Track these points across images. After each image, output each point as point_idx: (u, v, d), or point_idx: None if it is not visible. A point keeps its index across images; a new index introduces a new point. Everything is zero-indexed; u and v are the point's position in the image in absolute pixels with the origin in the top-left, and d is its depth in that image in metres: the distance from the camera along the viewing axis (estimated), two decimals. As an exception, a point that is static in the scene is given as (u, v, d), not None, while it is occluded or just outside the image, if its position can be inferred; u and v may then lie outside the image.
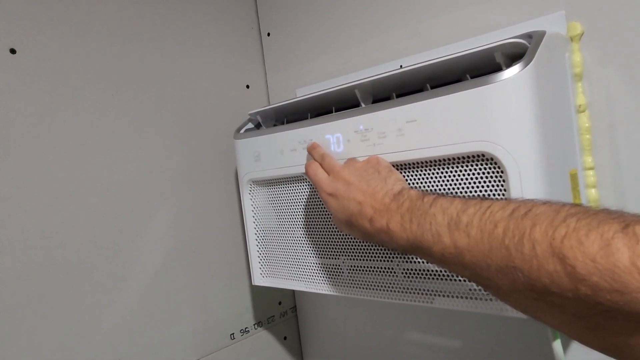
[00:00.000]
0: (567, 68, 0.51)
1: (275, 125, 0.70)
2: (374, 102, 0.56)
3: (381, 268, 0.57)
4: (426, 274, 0.52)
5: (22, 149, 0.58)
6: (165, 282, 0.71)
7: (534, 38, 0.46)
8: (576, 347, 0.56)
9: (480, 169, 0.46)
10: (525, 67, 0.43)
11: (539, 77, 0.44)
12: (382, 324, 0.77)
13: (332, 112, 0.60)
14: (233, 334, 0.79)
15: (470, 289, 0.49)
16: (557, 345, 0.48)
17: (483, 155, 0.45)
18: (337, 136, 0.56)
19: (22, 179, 0.58)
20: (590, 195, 0.52)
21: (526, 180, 0.43)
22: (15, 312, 0.56)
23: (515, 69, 0.44)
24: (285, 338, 0.88)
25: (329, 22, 0.77)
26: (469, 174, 0.47)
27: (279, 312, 0.87)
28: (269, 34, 0.86)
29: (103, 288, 0.64)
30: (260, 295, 0.83)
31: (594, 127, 0.53)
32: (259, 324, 0.83)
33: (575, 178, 0.49)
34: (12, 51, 0.58)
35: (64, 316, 0.60)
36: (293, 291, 0.90)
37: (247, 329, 0.81)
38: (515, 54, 0.46)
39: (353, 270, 0.60)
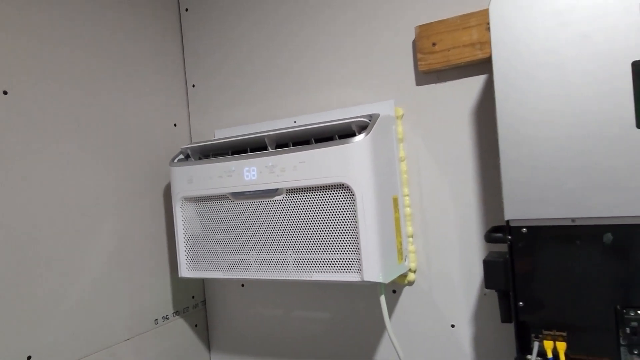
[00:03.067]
0: (393, 135, 0.85)
1: (200, 158, 0.95)
2: (277, 147, 0.85)
3: (279, 259, 0.84)
4: (308, 261, 0.81)
5: (5, 169, 0.76)
6: (105, 278, 0.90)
7: (373, 118, 0.79)
8: (392, 299, 0.90)
9: (341, 193, 0.77)
10: (367, 135, 0.76)
11: (375, 141, 0.77)
12: (274, 307, 1.04)
13: (247, 151, 0.87)
14: (157, 319, 1.00)
15: (335, 266, 0.79)
16: (382, 299, 0.80)
17: (343, 185, 0.76)
18: (252, 168, 0.83)
19: None
20: (406, 211, 0.87)
21: (366, 201, 0.75)
22: (-4, 294, 0.72)
23: (362, 136, 0.76)
24: (196, 325, 1.10)
25: (242, 81, 1.05)
26: (335, 196, 0.78)
27: (192, 304, 1.09)
28: (193, 85, 1.11)
29: (55, 282, 0.82)
30: (178, 289, 1.05)
31: (409, 170, 0.88)
32: (176, 312, 1.05)
33: (396, 201, 0.83)
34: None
35: (26, 303, 0.77)
36: (203, 287, 1.13)
37: (167, 317, 1.02)
38: (362, 126, 0.79)
39: (259, 261, 0.86)
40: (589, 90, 0.57)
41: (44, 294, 0.79)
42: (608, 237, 0.58)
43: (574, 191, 0.59)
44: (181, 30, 1.12)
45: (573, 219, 0.60)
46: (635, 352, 0.58)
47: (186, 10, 1.12)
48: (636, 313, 0.58)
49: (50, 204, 0.81)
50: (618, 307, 0.59)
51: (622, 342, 0.59)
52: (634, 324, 0.58)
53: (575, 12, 0.57)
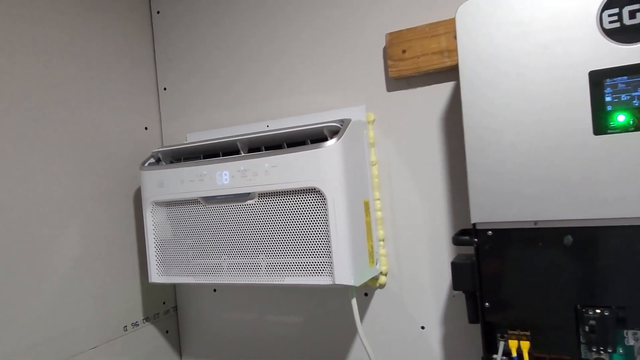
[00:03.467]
0: (365, 140, 0.87)
1: (172, 162, 0.94)
2: (250, 151, 0.85)
3: (251, 263, 0.84)
4: (280, 265, 0.81)
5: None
6: (74, 282, 0.88)
7: (345, 123, 0.80)
8: (363, 302, 0.91)
9: (313, 197, 0.78)
10: (339, 139, 0.77)
11: (347, 146, 0.78)
12: (247, 312, 1.04)
13: (219, 156, 0.87)
14: (126, 326, 0.98)
15: (307, 270, 0.79)
16: (354, 301, 0.81)
17: (315, 189, 0.77)
18: (225, 172, 0.83)
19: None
20: (377, 215, 0.88)
21: (337, 205, 0.75)
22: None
23: (333, 140, 0.77)
24: (167, 331, 1.08)
25: (214, 85, 1.05)
26: (307, 199, 0.78)
27: (163, 310, 1.08)
28: (165, 89, 1.10)
29: (22, 284, 0.80)
30: (148, 295, 1.04)
31: (380, 174, 0.89)
32: (146, 319, 1.03)
33: (367, 205, 0.84)
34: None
35: (-6, 307, 0.75)
36: (175, 292, 1.12)
37: (137, 323, 1.01)
38: (334, 131, 0.80)
39: (231, 266, 0.86)
40: (549, 98, 0.60)
41: (4, 301, 0.77)
42: (568, 239, 0.61)
43: (536, 195, 0.61)
44: (152, 32, 1.11)
45: (535, 222, 0.62)
46: (594, 349, 0.60)
47: (158, 12, 1.11)
48: (594, 312, 0.60)
49: (12, 207, 0.79)
50: (578, 306, 0.61)
51: (582, 339, 0.61)
52: (593, 322, 0.60)
53: (535, 23, 0.60)
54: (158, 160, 0.95)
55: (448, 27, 0.79)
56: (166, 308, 1.09)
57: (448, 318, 0.85)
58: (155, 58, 1.11)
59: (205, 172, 0.85)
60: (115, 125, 0.99)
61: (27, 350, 0.79)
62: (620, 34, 0.56)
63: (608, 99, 0.57)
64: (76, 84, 0.92)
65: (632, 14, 0.55)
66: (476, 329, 0.72)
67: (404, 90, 0.87)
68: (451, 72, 0.82)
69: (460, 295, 0.79)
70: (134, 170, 1.01)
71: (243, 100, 1.02)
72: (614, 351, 0.60)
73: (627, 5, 0.55)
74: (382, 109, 0.89)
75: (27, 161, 0.82)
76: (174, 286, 1.12)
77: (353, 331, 0.93)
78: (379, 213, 0.88)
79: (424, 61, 0.81)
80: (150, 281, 0.92)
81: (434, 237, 0.85)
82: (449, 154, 0.84)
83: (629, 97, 0.56)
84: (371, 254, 0.83)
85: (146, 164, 0.94)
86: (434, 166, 0.85)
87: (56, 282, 0.85)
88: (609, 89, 0.57)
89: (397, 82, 0.87)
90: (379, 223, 0.88)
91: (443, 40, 0.80)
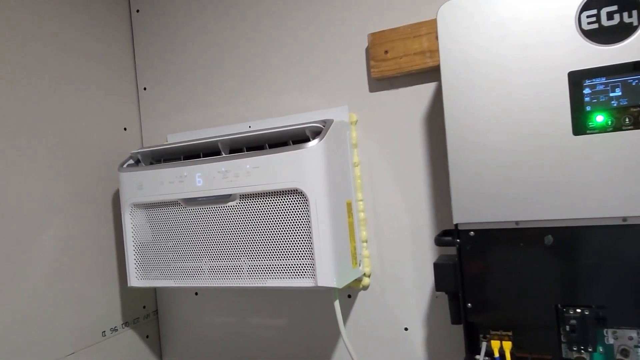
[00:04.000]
0: (348, 140, 0.86)
1: (152, 163, 0.92)
2: (231, 152, 0.84)
3: (232, 266, 0.83)
4: (262, 267, 0.80)
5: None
6: (50, 286, 0.85)
7: (327, 123, 0.79)
8: (347, 304, 0.90)
9: (295, 198, 0.77)
10: (321, 140, 0.76)
11: (329, 146, 0.77)
12: (229, 315, 1.02)
13: (199, 156, 0.86)
14: (104, 331, 0.96)
15: (289, 272, 0.78)
16: (337, 303, 0.80)
17: (297, 190, 0.76)
18: (206, 174, 0.82)
19: None
20: (360, 216, 0.87)
21: (320, 206, 0.74)
22: None
23: (316, 141, 0.76)
24: (147, 336, 1.06)
25: (195, 85, 1.03)
26: (289, 201, 0.77)
27: (143, 314, 1.06)
28: (145, 88, 1.08)
29: (-2, 291, 0.77)
30: (128, 299, 1.01)
31: (362, 175, 0.89)
32: (126, 324, 1.01)
33: (350, 206, 0.83)
34: None
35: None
36: (155, 296, 1.09)
37: (116, 328, 0.98)
38: (316, 132, 0.79)
39: (212, 269, 0.85)
40: (529, 99, 0.60)
41: (-22, 308, 0.74)
42: (549, 238, 0.61)
43: (517, 196, 0.61)
44: (132, 31, 1.09)
45: (517, 222, 0.62)
46: (575, 348, 0.61)
47: (137, 11, 1.09)
48: (575, 311, 0.60)
49: (-13, 211, 0.77)
50: (559, 305, 0.61)
51: (563, 339, 0.62)
52: (573, 322, 0.60)
53: (516, 24, 0.60)
54: (137, 162, 0.93)
55: (430, 28, 0.79)
56: (146, 312, 1.06)
57: (431, 319, 0.85)
58: (134, 57, 1.09)
59: (185, 174, 0.83)
60: (93, 126, 0.97)
61: (1, 357, 0.76)
62: (599, 35, 0.56)
63: (587, 99, 0.57)
64: (53, 83, 0.90)
65: (610, 15, 0.56)
66: (459, 329, 0.72)
67: (386, 91, 0.87)
68: (433, 73, 0.82)
69: (443, 296, 0.79)
70: (112, 172, 0.99)
71: (225, 100, 1.01)
72: (595, 350, 0.60)
73: (605, 6, 0.56)
74: (365, 110, 0.88)
75: (3, 162, 0.79)
76: (154, 290, 1.10)
77: (336, 333, 0.92)
78: (362, 214, 0.88)
79: (406, 62, 0.81)
80: (129, 285, 0.90)
81: (417, 238, 0.85)
82: (432, 155, 0.84)
83: (606, 97, 0.56)
84: (354, 256, 0.82)
85: (125, 165, 0.92)
86: (417, 167, 0.85)
87: (32, 286, 0.82)
88: (587, 89, 0.57)
89: (379, 82, 0.87)
90: (362, 224, 0.87)
91: (425, 40, 0.79)
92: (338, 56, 0.90)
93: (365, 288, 0.89)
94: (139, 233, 0.90)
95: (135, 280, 0.90)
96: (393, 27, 0.83)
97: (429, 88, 0.83)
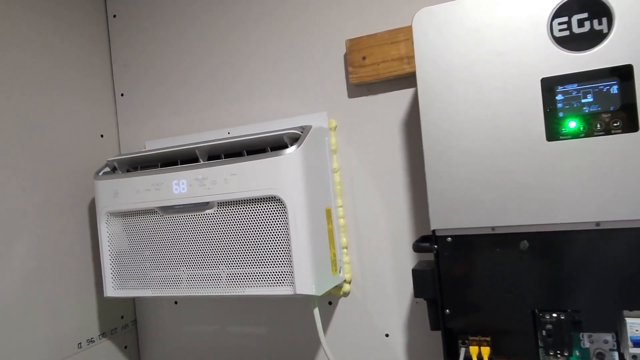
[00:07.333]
0: (327, 146, 0.86)
1: (129, 170, 0.91)
2: (210, 159, 0.83)
3: (211, 274, 0.82)
4: (241, 275, 0.79)
5: None
6: (23, 297, 0.83)
7: (305, 130, 0.79)
8: (328, 311, 0.90)
9: (273, 205, 0.76)
10: (299, 147, 0.75)
11: (307, 153, 0.77)
12: (209, 324, 1.01)
13: (177, 164, 0.84)
14: (80, 343, 0.93)
15: (268, 280, 0.77)
16: (316, 311, 0.79)
17: (274, 197, 0.75)
18: (182, 181, 0.80)
19: None
20: (340, 222, 0.87)
21: (298, 212, 0.74)
22: None
23: (293, 148, 0.75)
24: (125, 347, 1.04)
25: (174, 91, 1.02)
26: (267, 208, 0.77)
27: (121, 324, 1.03)
28: (122, 94, 1.07)
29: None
30: (105, 309, 0.99)
31: (342, 181, 0.88)
32: (103, 334, 0.99)
33: (329, 212, 0.83)
34: None
35: None
36: (134, 306, 1.07)
37: (92, 339, 0.96)
38: (294, 138, 0.79)
39: (190, 277, 0.83)
40: (504, 105, 0.60)
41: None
42: (524, 244, 0.61)
43: (493, 201, 0.61)
44: (109, 37, 1.08)
45: (493, 228, 0.62)
46: (551, 352, 0.61)
47: (114, 16, 1.07)
48: (551, 316, 0.61)
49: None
50: (535, 310, 0.62)
51: (540, 343, 0.62)
52: (549, 326, 0.61)
53: (489, 30, 0.60)
54: (114, 169, 0.92)
55: (408, 34, 0.79)
56: (124, 322, 1.04)
57: (412, 325, 0.85)
58: (111, 63, 1.07)
59: (162, 181, 0.82)
60: (69, 133, 0.95)
61: (-31, 373, 0.74)
62: (570, 42, 0.57)
63: (560, 105, 0.58)
64: (27, 89, 0.88)
65: (580, 23, 0.56)
66: (439, 335, 0.71)
67: (365, 97, 0.87)
68: (411, 79, 0.82)
69: (423, 302, 0.79)
70: (88, 180, 0.97)
71: (204, 106, 1.00)
72: (571, 354, 0.60)
73: (575, 14, 0.57)
74: (344, 116, 0.88)
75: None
76: (133, 299, 1.08)
77: (317, 341, 0.91)
78: (342, 220, 0.87)
79: (384, 68, 0.81)
80: (105, 295, 0.88)
81: (396, 244, 0.85)
82: (411, 160, 0.84)
83: (579, 104, 0.57)
84: (334, 262, 0.82)
85: (100, 173, 0.90)
86: (396, 172, 0.85)
87: (4, 297, 0.80)
88: (560, 95, 0.58)
89: (358, 88, 0.87)
90: (341, 230, 0.87)
91: (402, 46, 0.80)
92: (317, 62, 0.90)
93: (346, 294, 0.89)
94: (115, 242, 0.89)
95: (111, 290, 0.88)
96: (371, 33, 0.83)
97: (407, 94, 0.84)
